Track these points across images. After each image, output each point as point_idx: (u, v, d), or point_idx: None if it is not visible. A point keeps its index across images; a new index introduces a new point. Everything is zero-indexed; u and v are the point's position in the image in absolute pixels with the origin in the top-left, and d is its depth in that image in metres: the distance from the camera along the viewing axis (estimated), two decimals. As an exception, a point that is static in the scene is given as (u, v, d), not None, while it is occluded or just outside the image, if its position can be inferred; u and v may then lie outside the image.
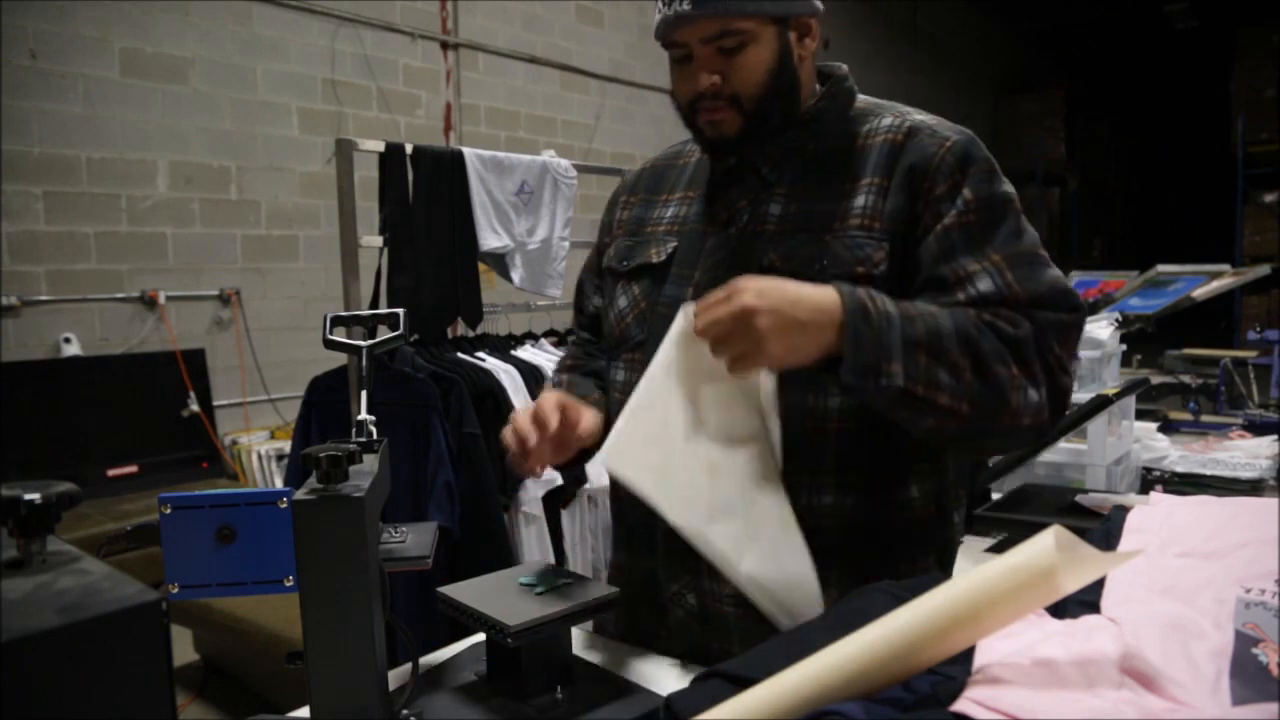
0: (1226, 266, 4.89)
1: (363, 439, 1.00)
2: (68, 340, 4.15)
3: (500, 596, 1.07)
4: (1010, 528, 1.93)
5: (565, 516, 2.70)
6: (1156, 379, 4.41)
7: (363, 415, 1.02)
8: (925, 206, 1.10)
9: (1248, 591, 0.75)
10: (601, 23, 6.77)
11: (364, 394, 1.05)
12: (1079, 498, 2.00)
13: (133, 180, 4.36)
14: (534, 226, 2.86)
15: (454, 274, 2.63)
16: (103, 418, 4.17)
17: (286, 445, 4.45)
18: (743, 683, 0.75)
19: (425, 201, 2.57)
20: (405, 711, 0.96)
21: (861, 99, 1.23)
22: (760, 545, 1.05)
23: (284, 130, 4.93)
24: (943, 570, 1.21)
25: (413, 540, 1.01)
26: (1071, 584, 0.69)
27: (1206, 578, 0.78)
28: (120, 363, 4.32)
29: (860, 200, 1.12)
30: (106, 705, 0.59)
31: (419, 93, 5.61)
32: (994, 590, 0.69)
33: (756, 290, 0.96)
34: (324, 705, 0.87)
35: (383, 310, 1.17)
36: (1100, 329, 2.55)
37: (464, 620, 1.07)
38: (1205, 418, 3.99)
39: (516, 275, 2.83)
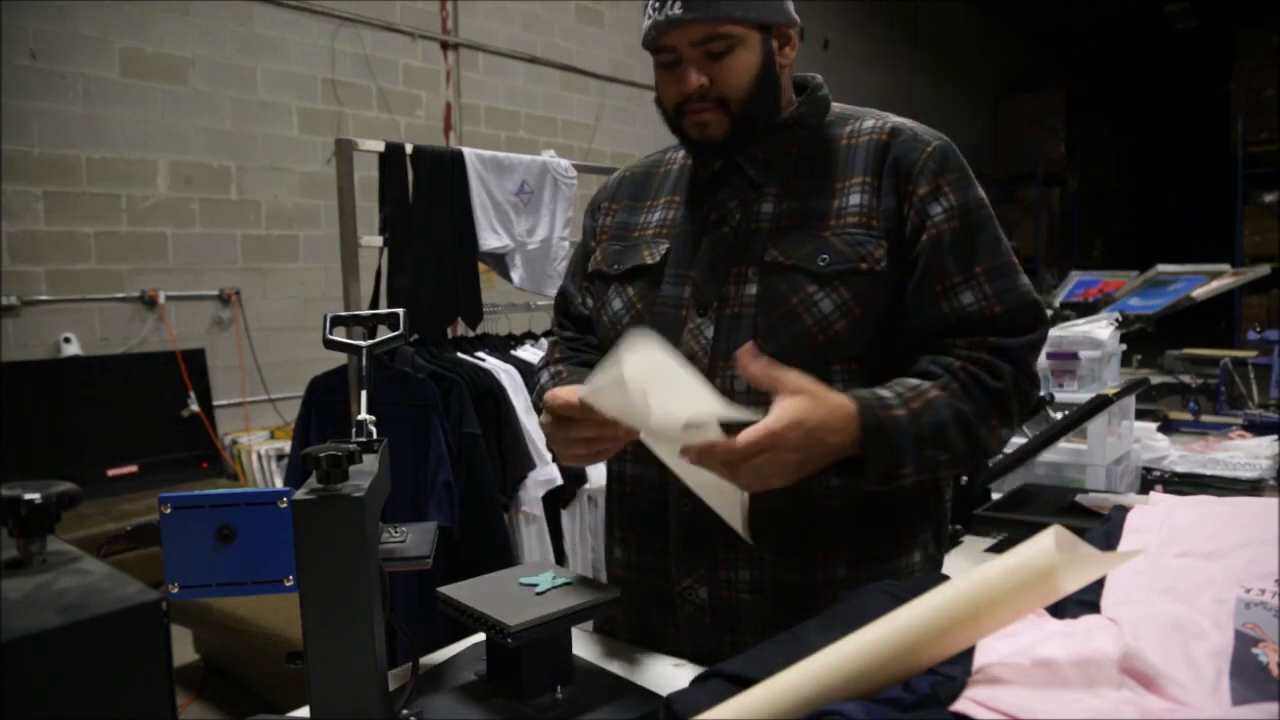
0: (1226, 266, 4.90)
1: (363, 439, 1.00)
2: (68, 340, 4.15)
3: (500, 596, 1.07)
4: (1010, 528, 1.92)
5: (565, 516, 2.70)
6: (1156, 379, 4.41)
7: (363, 415, 1.02)
8: (910, 208, 1.15)
9: (1248, 591, 0.75)
10: (601, 23, 6.77)
11: (364, 394, 1.05)
12: (1079, 498, 2.00)
13: (133, 180, 4.36)
14: (534, 226, 2.86)
15: (454, 274, 2.63)
16: (103, 418, 4.17)
17: (286, 445, 4.46)
18: (743, 683, 0.75)
19: (425, 201, 2.57)
20: (405, 711, 0.96)
21: (836, 106, 1.26)
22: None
23: (284, 130, 4.93)
24: (937, 544, 1.27)
25: (413, 540, 1.01)
26: (1071, 584, 0.69)
27: (1206, 578, 0.78)
28: (120, 363, 4.32)
29: (855, 199, 1.16)
30: (106, 705, 0.59)
31: (419, 93, 5.61)
32: (994, 590, 0.69)
33: (795, 444, 0.98)
34: (324, 705, 0.87)
35: (383, 310, 1.17)
36: (1100, 329, 2.55)
37: (464, 620, 1.07)
38: (1205, 418, 3.99)
39: (516, 275, 2.83)
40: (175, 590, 0.82)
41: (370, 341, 1.10)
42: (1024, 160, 11.82)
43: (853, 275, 1.13)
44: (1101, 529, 0.95)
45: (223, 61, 4.64)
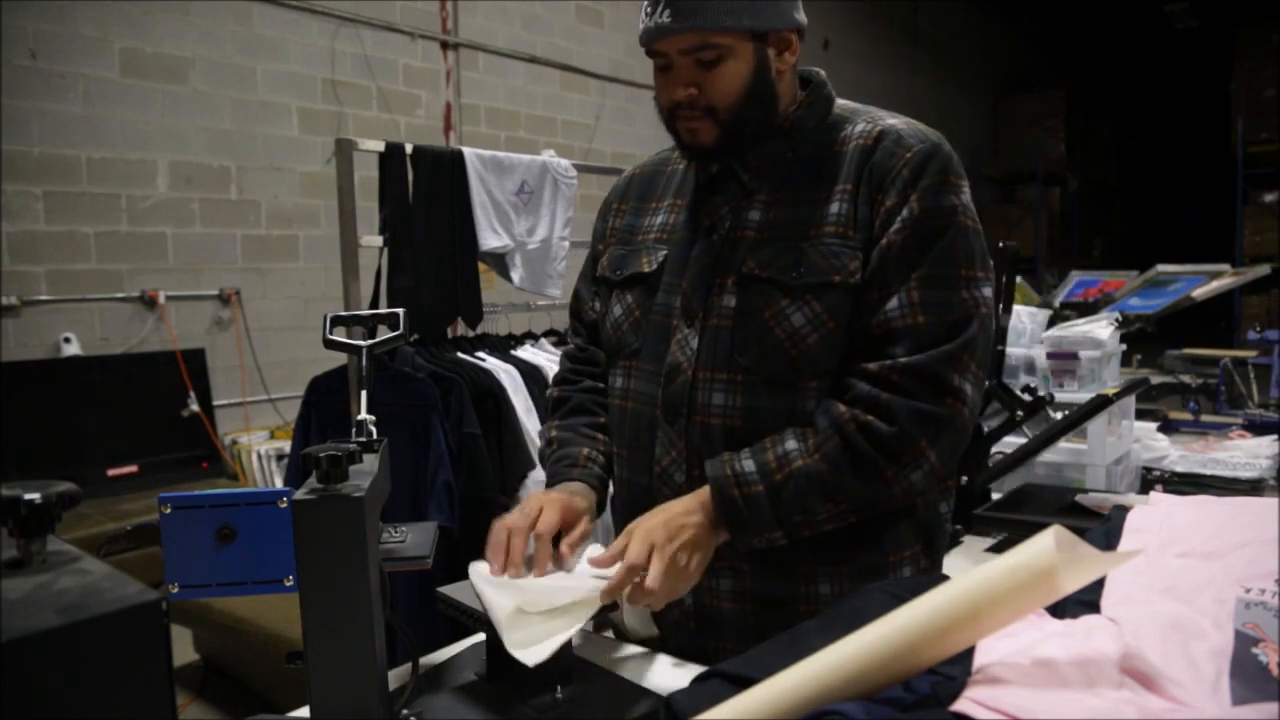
0: (1226, 266, 4.90)
1: (363, 439, 1.00)
2: (68, 340, 4.15)
3: (500, 596, 1.06)
4: (1010, 528, 1.93)
5: (565, 516, 2.70)
6: (1156, 379, 4.41)
7: (363, 415, 1.02)
8: (878, 218, 1.13)
9: (1248, 591, 0.75)
10: (601, 23, 6.77)
11: (364, 394, 1.05)
12: (1079, 498, 2.00)
13: (133, 180, 4.36)
14: (534, 226, 2.86)
15: (454, 274, 2.63)
16: (103, 418, 4.16)
17: (286, 445, 4.45)
18: (743, 683, 0.75)
19: (425, 201, 2.57)
20: (405, 711, 0.96)
21: (840, 104, 1.24)
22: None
23: (284, 130, 4.93)
24: (930, 558, 1.25)
25: (412, 540, 1.01)
26: (1071, 584, 0.69)
27: (1206, 578, 0.78)
28: (120, 363, 4.32)
29: (835, 207, 1.15)
30: (106, 705, 0.59)
31: (419, 93, 5.61)
32: (994, 590, 0.69)
33: (661, 534, 1.07)
34: (324, 705, 0.87)
35: (383, 310, 1.17)
36: (1100, 329, 2.55)
37: (464, 620, 1.07)
38: (1205, 418, 3.99)
39: (516, 275, 2.83)
40: (175, 590, 0.82)
41: (370, 341, 1.10)
42: (1024, 160, 11.81)
43: (825, 288, 1.12)
44: (1101, 529, 0.95)
45: (223, 61, 4.64)
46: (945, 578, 0.91)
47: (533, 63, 6.25)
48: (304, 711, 0.94)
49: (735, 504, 1.09)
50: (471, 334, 2.77)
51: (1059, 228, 12.37)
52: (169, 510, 0.82)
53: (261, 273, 4.91)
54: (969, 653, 0.70)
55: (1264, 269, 5.36)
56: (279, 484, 4.11)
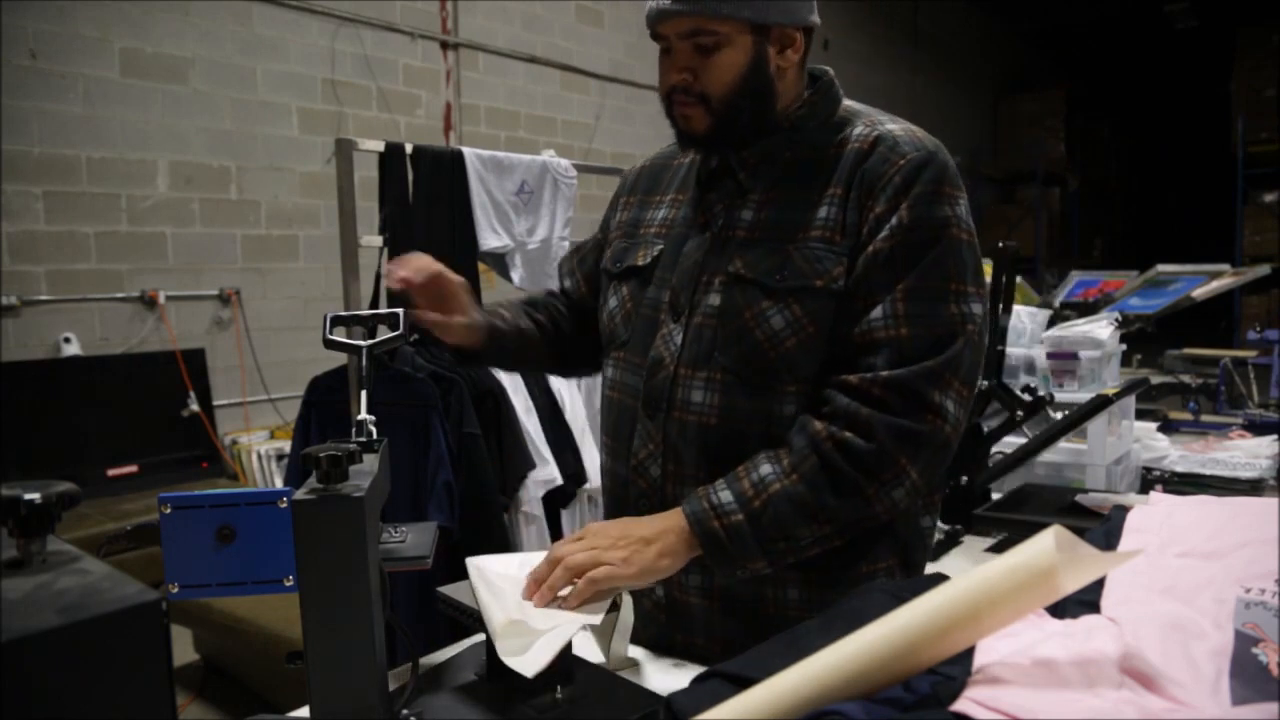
0: (1226, 266, 4.91)
1: (363, 439, 1.00)
2: (68, 340, 4.15)
3: (500, 596, 1.06)
4: (1010, 528, 1.92)
5: (565, 516, 2.70)
6: (1156, 379, 4.41)
7: (363, 415, 1.02)
8: (866, 224, 1.12)
9: (1248, 591, 0.75)
10: (601, 23, 6.77)
11: (364, 394, 1.05)
12: (1079, 498, 2.00)
13: (133, 180, 4.36)
14: (534, 226, 2.86)
15: (454, 274, 2.63)
16: (103, 418, 4.16)
17: (286, 445, 4.45)
18: (743, 683, 0.75)
19: (425, 201, 2.57)
20: (405, 711, 0.96)
21: (845, 105, 1.23)
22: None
23: (284, 130, 4.93)
24: (907, 573, 1.23)
25: (412, 540, 1.01)
26: (1071, 584, 0.69)
27: (1206, 578, 0.78)
28: (120, 363, 4.32)
29: (824, 211, 1.14)
30: (106, 705, 0.59)
31: (419, 93, 5.61)
32: (994, 590, 0.69)
33: (605, 529, 1.09)
34: (324, 705, 0.87)
35: (383, 310, 1.17)
36: (1100, 329, 2.55)
37: (464, 620, 1.07)
38: (1205, 418, 3.99)
39: (516, 275, 2.83)
40: (175, 590, 0.82)
41: (370, 341, 1.10)
42: (1024, 160, 11.82)
43: (806, 292, 1.11)
44: (1101, 529, 0.95)
45: (223, 61, 4.64)
46: (945, 578, 0.91)
47: (533, 63, 6.25)
48: (304, 711, 0.94)
49: (717, 536, 1.08)
50: (471, 334, 2.76)
51: (1059, 228, 12.38)
52: (169, 510, 0.82)
53: (261, 273, 4.91)
54: (969, 653, 0.70)
55: (1264, 269, 5.37)
56: (279, 484, 4.11)
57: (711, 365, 1.16)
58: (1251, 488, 2.27)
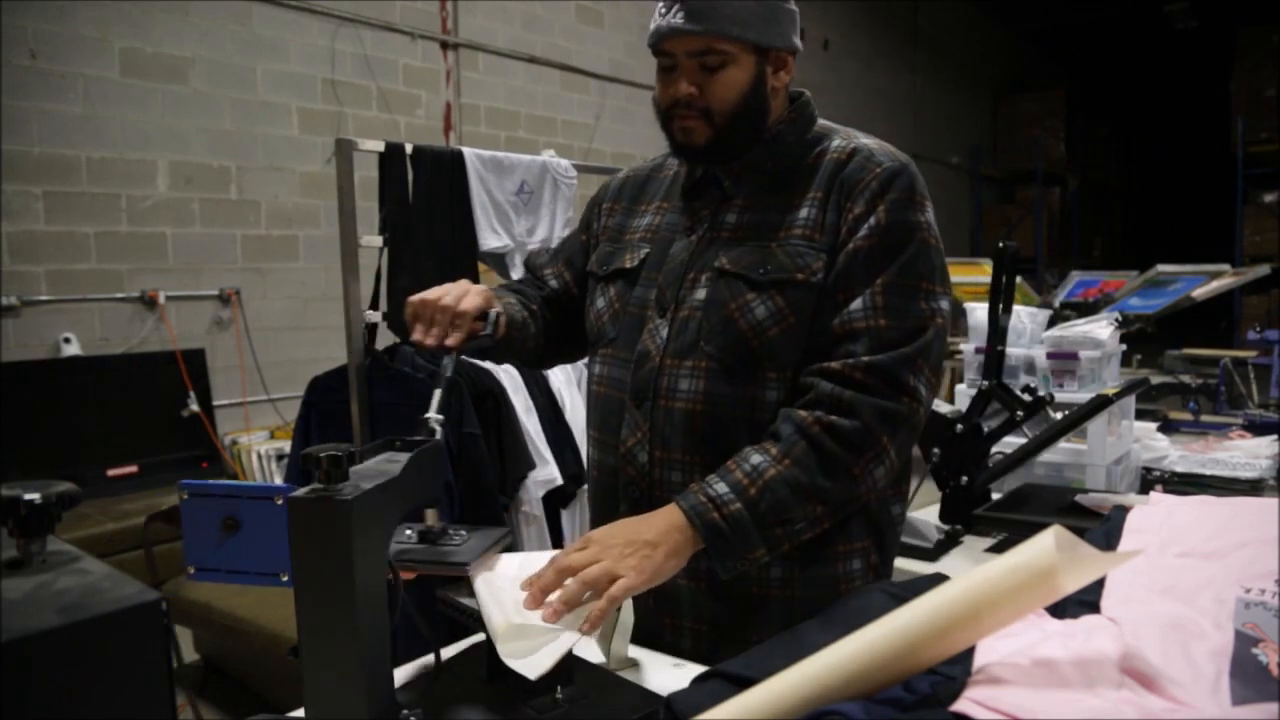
0: (1226, 266, 4.91)
1: (418, 439, 1.05)
2: (68, 340, 4.15)
3: (500, 596, 1.06)
4: (1010, 528, 1.93)
5: (565, 516, 2.70)
6: (1156, 379, 4.42)
7: (431, 414, 1.10)
8: (844, 224, 1.21)
9: (1248, 591, 0.75)
10: (601, 23, 6.77)
11: (437, 393, 1.14)
12: (1079, 498, 2.00)
13: (133, 180, 4.36)
14: (534, 226, 2.86)
15: (454, 274, 2.60)
16: (103, 418, 4.16)
17: (286, 445, 4.45)
18: (743, 683, 0.75)
19: (425, 201, 2.57)
20: (405, 711, 0.96)
21: (821, 123, 1.33)
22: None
23: (284, 130, 4.93)
24: (880, 554, 1.30)
25: (469, 546, 1.05)
26: (1071, 584, 0.69)
27: (1206, 578, 0.79)
28: (120, 363, 4.32)
29: (804, 213, 1.23)
30: (106, 705, 0.59)
31: (419, 93, 5.61)
32: (994, 590, 0.69)
33: (609, 536, 1.09)
34: (317, 703, 0.87)
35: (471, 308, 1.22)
36: (1100, 329, 2.55)
37: (464, 620, 1.07)
38: (1205, 418, 3.99)
39: (516, 275, 2.83)
40: (192, 572, 0.88)
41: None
42: (1024, 160, 11.82)
43: (789, 285, 1.20)
44: (1101, 529, 0.95)
45: (223, 61, 4.64)
46: (945, 578, 0.91)
47: (533, 63, 6.25)
48: (304, 711, 0.94)
49: (718, 528, 1.11)
50: (471, 334, 2.76)
51: (1059, 228, 12.37)
52: (186, 496, 0.87)
53: (261, 273, 4.91)
54: (969, 653, 0.70)
55: (1264, 269, 5.37)
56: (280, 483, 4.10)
57: (697, 354, 1.23)
58: (1251, 488, 2.27)
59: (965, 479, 2.00)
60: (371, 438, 2.42)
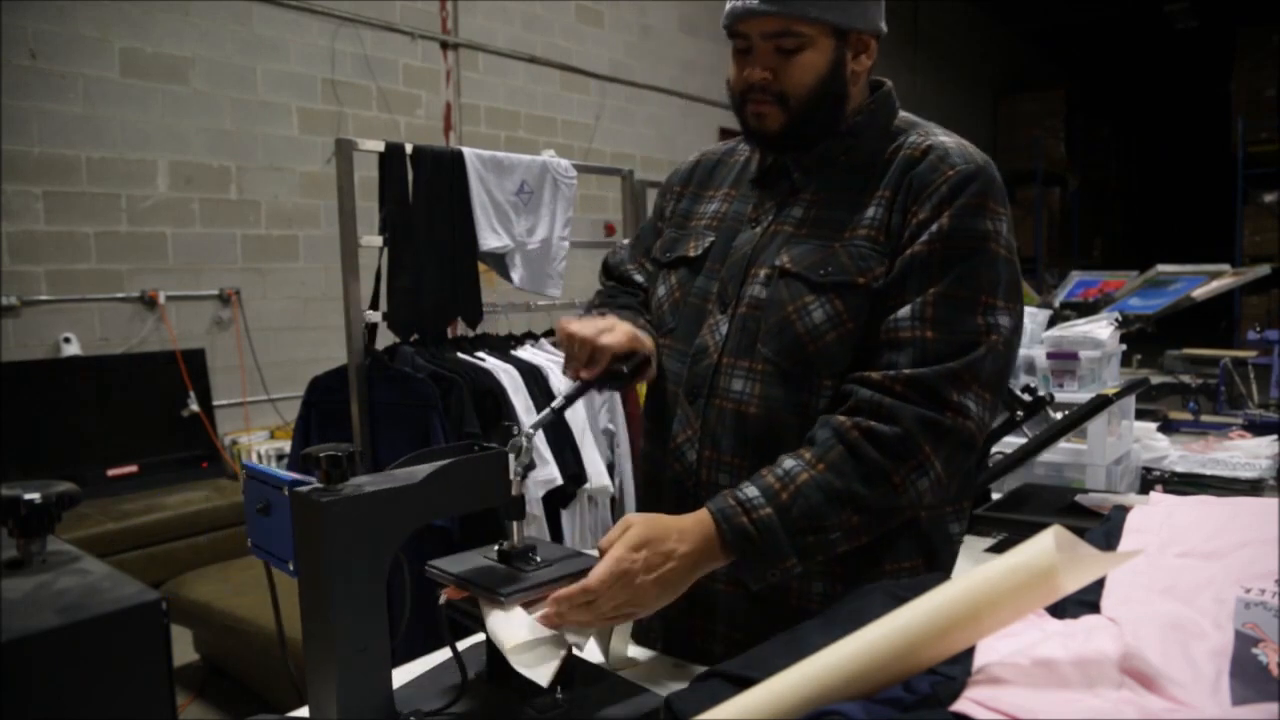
0: (1226, 266, 4.90)
1: (491, 446, 1.08)
2: (68, 340, 4.15)
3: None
4: (1010, 528, 1.92)
5: (565, 516, 2.70)
6: (1156, 379, 4.41)
7: (528, 429, 1.12)
8: (907, 228, 1.14)
9: (1248, 591, 0.75)
10: (601, 23, 6.76)
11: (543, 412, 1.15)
12: (1079, 498, 2.00)
13: (133, 180, 4.36)
14: (534, 226, 2.86)
15: (454, 274, 2.63)
16: (103, 418, 4.17)
17: (286, 445, 4.45)
18: (743, 683, 0.75)
19: (425, 201, 2.57)
20: (405, 711, 0.96)
21: (902, 115, 1.26)
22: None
23: (284, 130, 4.93)
24: (930, 570, 1.22)
25: (538, 574, 1.02)
26: (1071, 584, 0.69)
27: (1206, 578, 0.78)
28: (120, 363, 4.32)
29: (871, 212, 1.17)
30: (106, 705, 0.59)
31: (419, 93, 5.61)
32: (994, 590, 0.69)
33: (645, 563, 1.02)
34: (315, 701, 0.87)
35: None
36: (1100, 329, 2.55)
37: (464, 620, 1.07)
38: (1205, 418, 3.99)
39: (516, 275, 2.83)
40: (250, 545, 0.97)
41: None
42: (1024, 160, 11.80)
43: (849, 288, 1.14)
44: (1101, 529, 0.95)
45: (223, 61, 4.64)
46: (945, 578, 0.91)
47: (533, 63, 6.25)
48: (304, 711, 0.94)
49: (746, 532, 1.06)
50: (471, 334, 2.77)
51: (1059, 228, 12.37)
52: (247, 476, 0.95)
53: (261, 273, 4.91)
54: (969, 653, 0.70)
55: (1264, 269, 5.36)
56: (279, 484, 4.10)
57: (754, 355, 1.19)
58: (1251, 488, 2.27)
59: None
60: (371, 438, 2.42)
